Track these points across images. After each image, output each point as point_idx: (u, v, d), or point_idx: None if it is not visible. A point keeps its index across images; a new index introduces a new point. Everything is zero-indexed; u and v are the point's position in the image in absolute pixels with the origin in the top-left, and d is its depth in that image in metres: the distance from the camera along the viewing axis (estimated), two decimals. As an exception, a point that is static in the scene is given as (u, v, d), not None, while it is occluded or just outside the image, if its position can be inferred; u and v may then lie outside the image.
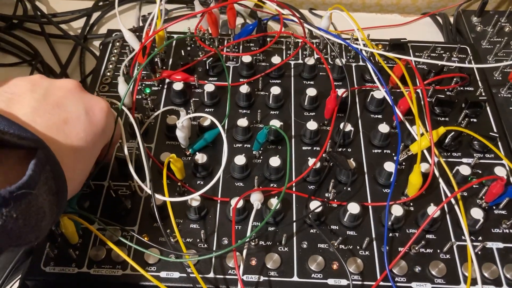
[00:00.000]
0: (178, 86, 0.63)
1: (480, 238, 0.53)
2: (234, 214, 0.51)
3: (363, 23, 0.84)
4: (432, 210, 0.51)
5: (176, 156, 0.53)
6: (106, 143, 0.48)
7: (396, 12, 0.91)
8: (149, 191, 0.50)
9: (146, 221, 0.53)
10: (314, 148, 0.60)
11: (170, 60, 0.70)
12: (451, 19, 0.85)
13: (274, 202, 0.52)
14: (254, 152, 0.59)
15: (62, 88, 0.43)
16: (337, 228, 0.53)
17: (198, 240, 0.52)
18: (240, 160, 0.56)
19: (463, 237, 0.52)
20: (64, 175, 0.37)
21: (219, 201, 0.55)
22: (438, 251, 0.52)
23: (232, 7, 0.67)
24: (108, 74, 0.68)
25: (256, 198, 0.51)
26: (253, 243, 0.51)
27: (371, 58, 0.68)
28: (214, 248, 0.51)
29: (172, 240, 0.50)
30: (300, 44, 0.71)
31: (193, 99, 0.64)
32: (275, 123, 0.60)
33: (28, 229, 0.33)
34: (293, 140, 0.61)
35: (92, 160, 0.45)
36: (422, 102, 0.64)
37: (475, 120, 0.63)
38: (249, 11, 0.84)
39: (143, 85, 0.66)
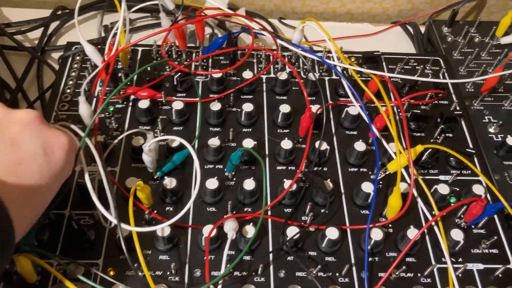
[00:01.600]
0: (144, 104, 0.59)
1: (460, 259, 0.52)
2: (208, 246, 0.48)
3: (334, 33, 0.83)
4: (412, 233, 0.50)
5: (143, 181, 0.49)
6: (65, 179, 0.44)
7: (366, 20, 0.90)
8: (115, 221, 0.46)
9: (112, 253, 0.49)
10: (289, 167, 0.58)
11: (135, 76, 0.66)
12: (422, 28, 0.84)
13: (249, 229, 0.49)
14: (226, 174, 0.56)
15: (19, 122, 0.39)
16: (315, 254, 0.51)
17: (168, 273, 0.48)
18: (212, 184, 0.52)
19: (443, 259, 0.51)
20: (10, 225, 0.33)
21: (190, 228, 0.52)
22: (419, 275, 0.50)
23: (201, 19, 0.64)
24: (68, 91, 0.63)
25: (230, 227, 0.48)
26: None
27: (344, 72, 0.66)
28: (186, 281, 0.48)
29: (140, 273, 0.47)
30: (272, 59, 0.68)
31: (161, 117, 0.60)
32: (249, 142, 0.57)
33: None
34: (267, 159, 0.58)
35: (48, 200, 0.42)
36: (398, 118, 0.63)
37: (450, 135, 0.62)
38: (217, 22, 0.80)
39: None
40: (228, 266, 0.45)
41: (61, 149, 0.41)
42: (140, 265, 0.46)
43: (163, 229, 0.48)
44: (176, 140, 0.56)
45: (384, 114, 0.55)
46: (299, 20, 0.89)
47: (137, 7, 0.64)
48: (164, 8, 0.63)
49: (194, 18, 0.60)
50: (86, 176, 0.47)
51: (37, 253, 0.45)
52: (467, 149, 0.58)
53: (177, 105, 0.59)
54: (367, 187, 0.53)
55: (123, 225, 0.46)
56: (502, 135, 0.65)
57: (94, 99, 0.62)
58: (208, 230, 0.48)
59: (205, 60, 0.68)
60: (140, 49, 0.69)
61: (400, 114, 0.64)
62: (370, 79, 0.62)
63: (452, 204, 0.54)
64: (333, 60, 0.64)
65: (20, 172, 0.36)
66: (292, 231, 0.50)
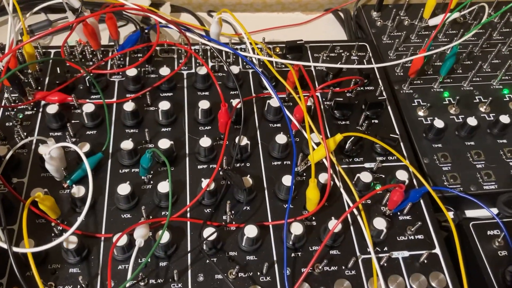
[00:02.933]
0: (52, 109, 0.56)
1: (385, 248, 0.50)
2: (111, 256, 0.45)
3: (265, 24, 0.81)
4: (333, 224, 0.48)
5: (54, 190, 0.46)
6: None
7: (298, 10, 0.88)
8: (4, 245, 0.42)
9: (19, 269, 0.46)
10: (211, 165, 0.55)
11: (47, 79, 0.62)
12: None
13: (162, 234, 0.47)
14: (142, 178, 0.53)
15: None
16: (236, 254, 0.49)
17: (78, 286, 0.45)
18: (124, 189, 0.50)
19: (368, 250, 0.50)
20: None
21: (102, 238, 0.49)
22: (343, 267, 0.49)
23: (111, 16, 0.60)
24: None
25: (139, 234, 0.45)
26: (142, 283, 0.46)
27: (272, 63, 0.64)
28: (96, 294, 0.45)
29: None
30: (187, 54, 0.65)
31: (73, 121, 0.57)
32: (164, 142, 0.54)
33: None
34: (187, 158, 0.56)
35: None
36: (323, 107, 0.61)
37: (376, 121, 0.61)
38: (141, 18, 0.77)
39: (14, 110, 0.58)
40: (134, 272, 0.43)
41: None
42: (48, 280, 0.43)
43: (67, 241, 0.45)
44: (86, 146, 0.53)
45: (301, 104, 0.53)
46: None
47: (38, 7, 0.60)
48: (70, 6, 0.60)
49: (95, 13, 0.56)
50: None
51: None
52: (391, 135, 0.56)
53: (88, 108, 0.56)
54: (288, 180, 0.51)
55: (16, 249, 0.43)
56: (431, 118, 0.64)
57: None
58: (116, 238, 0.46)
59: (122, 59, 0.65)
60: (52, 51, 0.65)
61: (326, 103, 0.62)
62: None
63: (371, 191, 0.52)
64: (249, 52, 0.62)
65: None
66: (208, 232, 0.47)
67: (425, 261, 0.49)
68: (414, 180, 0.56)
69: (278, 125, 0.60)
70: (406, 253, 0.50)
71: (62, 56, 0.63)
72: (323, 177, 0.52)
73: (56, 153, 0.49)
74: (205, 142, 0.54)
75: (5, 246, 0.41)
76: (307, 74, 0.58)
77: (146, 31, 0.60)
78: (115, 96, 0.61)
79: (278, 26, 0.81)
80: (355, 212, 0.51)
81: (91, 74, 0.58)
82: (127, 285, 0.43)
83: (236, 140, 0.55)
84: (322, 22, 0.85)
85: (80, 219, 0.43)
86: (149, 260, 0.46)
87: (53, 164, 0.48)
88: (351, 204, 0.52)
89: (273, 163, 0.56)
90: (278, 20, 0.83)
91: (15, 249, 0.41)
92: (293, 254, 0.49)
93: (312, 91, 0.55)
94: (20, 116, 0.58)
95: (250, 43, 0.60)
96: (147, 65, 0.63)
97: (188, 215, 0.51)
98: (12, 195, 0.49)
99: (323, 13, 0.85)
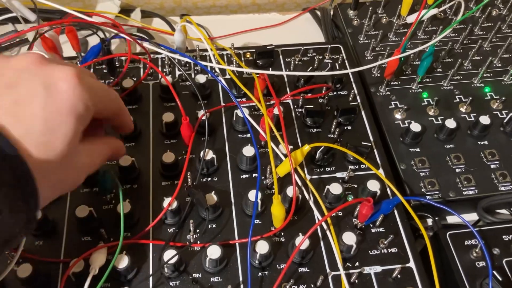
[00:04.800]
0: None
1: (357, 263, 0.48)
2: (63, 284, 0.43)
3: (240, 26, 0.79)
4: (300, 240, 0.46)
5: None
6: (84, 125, 0.37)
7: (275, 10, 0.86)
8: None
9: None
10: (176, 182, 0.53)
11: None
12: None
13: (119, 258, 0.45)
14: (104, 197, 0.51)
15: (16, 67, 0.35)
16: (200, 276, 0.47)
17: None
18: (82, 211, 0.48)
19: (339, 266, 0.48)
20: (20, 162, 0.30)
21: (61, 264, 0.47)
22: (312, 286, 0.47)
23: (71, 29, 0.58)
24: None
25: (94, 261, 0.43)
26: (101, 310, 0.44)
27: (234, 72, 0.61)
28: (52, 325, 0.43)
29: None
30: (147, 67, 0.63)
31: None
32: (125, 159, 0.52)
33: None
34: (151, 175, 0.54)
35: (65, 148, 0.35)
36: (294, 114, 0.59)
37: (349, 127, 0.59)
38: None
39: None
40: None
41: (65, 81, 0.35)
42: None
43: (22, 268, 0.43)
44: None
45: (265, 114, 0.51)
46: (204, 15, 0.85)
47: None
48: (26, 19, 0.57)
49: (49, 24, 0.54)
50: None
51: None
52: (362, 143, 0.54)
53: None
54: (253, 195, 0.49)
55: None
56: (409, 121, 0.62)
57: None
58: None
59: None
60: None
61: (297, 110, 0.60)
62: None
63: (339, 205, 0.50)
64: (210, 61, 0.59)
65: (18, 112, 0.33)
66: (168, 255, 0.45)
67: (399, 276, 0.47)
68: (388, 190, 0.53)
69: (247, 135, 0.57)
70: (378, 268, 0.48)
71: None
72: (291, 190, 0.50)
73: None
74: (168, 157, 0.52)
75: None
76: (273, 81, 0.56)
77: (106, 42, 0.58)
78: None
79: (253, 29, 0.79)
80: (325, 226, 0.49)
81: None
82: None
83: (201, 155, 0.52)
84: (299, 22, 0.82)
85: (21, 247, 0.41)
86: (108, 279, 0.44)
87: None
88: (321, 218, 0.50)
89: (241, 176, 0.54)
90: (254, 22, 0.81)
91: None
92: (260, 274, 0.47)
93: (276, 102, 0.53)
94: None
95: (211, 50, 0.57)
96: (111, 77, 0.61)
97: (151, 236, 0.49)
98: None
99: (300, 12, 0.83)
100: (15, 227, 0.31)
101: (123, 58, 0.63)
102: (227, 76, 0.62)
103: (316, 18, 0.82)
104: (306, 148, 0.50)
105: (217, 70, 0.61)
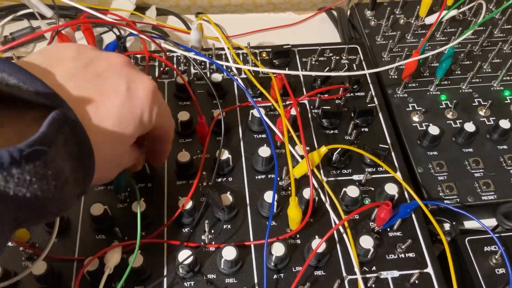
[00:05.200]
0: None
1: (374, 268, 0.48)
2: (78, 283, 0.42)
3: (256, 25, 0.78)
4: (316, 243, 0.45)
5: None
6: (141, 133, 0.39)
7: (290, 9, 0.85)
8: None
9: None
10: (191, 181, 0.53)
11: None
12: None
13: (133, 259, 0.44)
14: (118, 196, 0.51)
15: (108, 60, 0.38)
16: (215, 277, 0.46)
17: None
18: (97, 209, 0.47)
19: (355, 270, 0.47)
20: (88, 140, 0.32)
21: (75, 262, 0.47)
22: (328, 290, 0.46)
23: (88, 26, 0.58)
24: None
25: (108, 260, 0.43)
26: (114, 310, 0.44)
27: (251, 71, 0.60)
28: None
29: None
30: (162, 66, 0.62)
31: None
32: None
33: (47, 196, 0.28)
34: (165, 174, 0.53)
35: (121, 146, 0.38)
36: (310, 115, 0.58)
37: (366, 129, 0.58)
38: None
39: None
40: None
41: (144, 90, 0.38)
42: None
43: (38, 266, 0.43)
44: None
45: (282, 115, 0.50)
46: (219, 14, 0.84)
47: (8, 19, 0.57)
48: (43, 16, 0.57)
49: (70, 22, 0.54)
50: None
51: None
52: (380, 145, 0.53)
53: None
54: (270, 196, 0.49)
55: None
56: (427, 123, 0.61)
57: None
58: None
59: (101, 69, 0.62)
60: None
61: (314, 111, 0.59)
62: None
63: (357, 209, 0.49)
64: (226, 60, 0.59)
65: (100, 102, 0.35)
66: (184, 255, 0.45)
67: (416, 282, 0.46)
68: (406, 193, 0.53)
69: (263, 135, 0.57)
70: (396, 273, 0.47)
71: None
72: (308, 192, 0.49)
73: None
74: (184, 156, 0.52)
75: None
76: (289, 81, 0.55)
77: (122, 40, 0.57)
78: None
79: (269, 28, 0.78)
80: (341, 229, 0.48)
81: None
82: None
83: (217, 154, 0.52)
84: (315, 22, 0.82)
85: (50, 243, 0.41)
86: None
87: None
88: (337, 221, 0.50)
89: (256, 177, 0.53)
90: (270, 21, 0.80)
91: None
92: (275, 276, 0.47)
93: (294, 102, 0.52)
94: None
95: (228, 49, 0.57)
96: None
97: (165, 235, 0.49)
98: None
99: (316, 12, 0.82)
100: (74, 197, 0.32)
101: (138, 55, 0.63)
102: (243, 76, 0.61)
103: (332, 18, 0.81)
104: (323, 149, 0.49)
105: (234, 69, 0.60)
